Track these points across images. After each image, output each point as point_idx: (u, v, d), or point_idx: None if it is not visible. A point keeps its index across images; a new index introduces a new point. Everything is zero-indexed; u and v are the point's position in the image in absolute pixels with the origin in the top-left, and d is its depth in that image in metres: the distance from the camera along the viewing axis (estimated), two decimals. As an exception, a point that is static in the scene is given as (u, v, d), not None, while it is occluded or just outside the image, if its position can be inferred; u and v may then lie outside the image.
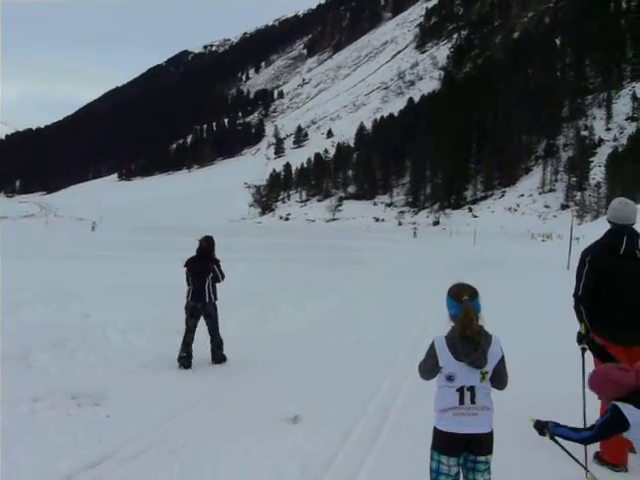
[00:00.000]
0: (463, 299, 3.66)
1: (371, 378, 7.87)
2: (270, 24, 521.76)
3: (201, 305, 8.60)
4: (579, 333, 5.14)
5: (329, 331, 11.36)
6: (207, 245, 8.84)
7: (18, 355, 8.08)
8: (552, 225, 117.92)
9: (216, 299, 8.74)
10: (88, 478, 4.72)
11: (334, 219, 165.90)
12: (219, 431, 5.77)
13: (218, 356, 8.67)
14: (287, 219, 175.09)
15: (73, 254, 28.97)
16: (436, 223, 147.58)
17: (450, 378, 3.65)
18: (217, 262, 8.83)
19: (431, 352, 3.73)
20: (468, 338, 3.61)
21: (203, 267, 8.67)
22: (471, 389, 3.63)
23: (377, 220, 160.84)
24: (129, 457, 5.10)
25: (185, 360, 8.36)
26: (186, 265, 8.82)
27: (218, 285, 8.83)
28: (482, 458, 3.68)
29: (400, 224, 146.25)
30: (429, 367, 3.78)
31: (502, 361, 3.73)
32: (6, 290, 14.40)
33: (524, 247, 51.75)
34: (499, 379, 3.76)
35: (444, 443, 3.68)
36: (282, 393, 7.11)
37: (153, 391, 7.01)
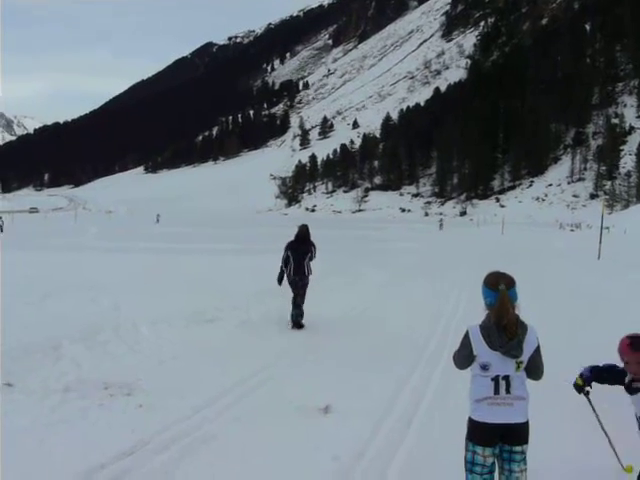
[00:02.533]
0: (499, 288, 3.59)
1: (402, 367, 7.86)
2: (295, 14, 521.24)
3: (299, 278, 10.74)
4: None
5: (358, 321, 11.33)
6: (305, 231, 10.99)
7: (48, 347, 8.12)
8: (581, 215, 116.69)
9: (311, 273, 10.91)
10: (121, 468, 4.73)
11: (360, 210, 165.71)
12: (250, 421, 5.77)
13: (299, 322, 10.60)
14: (313, 210, 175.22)
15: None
16: (463, 213, 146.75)
17: (485, 367, 3.61)
18: (313, 244, 11.00)
19: (465, 341, 3.69)
20: (504, 327, 3.55)
21: (303, 248, 10.84)
22: (506, 378, 3.58)
23: (403, 211, 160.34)
24: (161, 448, 5.11)
25: (294, 317, 10.60)
26: (288, 248, 10.87)
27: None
28: (518, 448, 3.63)
29: (426, 215, 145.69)
30: (463, 356, 3.73)
31: (538, 351, 3.66)
32: (37, 282, 14.61)
33: (553, 237, 51.24)
34: (535, 369, 3.70)
35: (479, 434, 3.63)
36: (313, 383, 7.11)
37: (184, 382, 7.02)
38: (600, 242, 26.91)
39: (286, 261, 10.85)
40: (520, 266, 20.42)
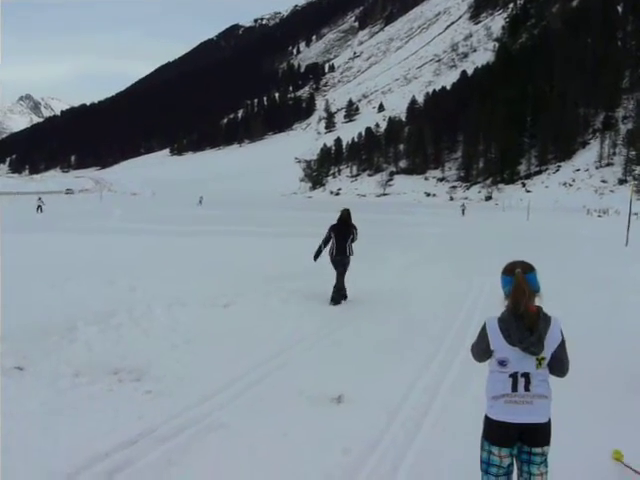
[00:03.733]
0: (516, 272, 3.36)
1: (419, 356, 7.64)
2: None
3: (341, 258, 11.49)
4: None
5: (377, 307, 11.13)
6: (347, 214, 11.73)
7: (64, 329, 8.08)
8: (609, 200, 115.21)
9: (352, 254, 11.63)
10: (125, 456, 4.61)
11: (385, 194, 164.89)
12: (260, 411, 5.61)
13: (339, 298, 11.35)
14: (338, 194, 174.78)
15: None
16: (488, 198, 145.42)
17: (502, 363, 3.36)
18: (354, 227, 11.72)
19: (482, 334, 3.46)
20: (522, 318, 3.29)
21: (345, 230, 11.58)
22: (526, 375, 3.33)
23: (428, 195, 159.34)
24: (167, 436, 4.98)
25: (334, 294, 11.32)
26: (332, 230, 11.60)
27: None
28: (538, 450, 3.38)
29: (452, 199, 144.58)
30: (481, 350, 3.52)
31: (562, 346, 3.38)
32: (60, 264, 14.63)
33: (580, 223, 50.50)
34: (559, 366, 3.43)
35: (495, 432, 3.41)
36: (327, 370, 6.93)
37: (195, 367, 6.87)
38: (628, 229, 26.38)
39: (326, 241, 11.65)
40: (545, 253, 20.10)
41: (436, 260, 19.11)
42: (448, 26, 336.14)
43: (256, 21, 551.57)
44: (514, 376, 3.34)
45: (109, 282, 12.06)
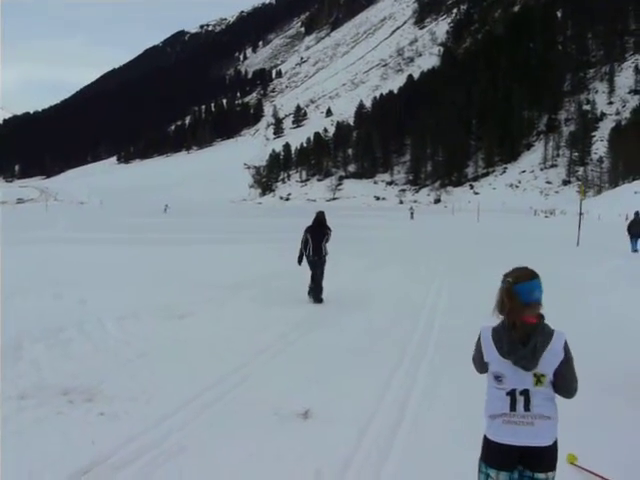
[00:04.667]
0: (506, 280, 3.11)
1: (384, 365, 7.36)
2: (267, 2, 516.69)
3: (318, 258, 12.16)
4: None
5: (336, 312, 10.86)
6: (322, 217, 12.47)
7: (8, 347, 7.55)
8: (554, 201, 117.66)
9: (327, 254, 12.32)
10: (78, 488, 4.22)
11: (335, 198, 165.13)
12: (223, 430, 5.25)
13: (318, 297, 11.99)
14: (287, 199, 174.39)
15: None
16: (437, 201, 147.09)
17: (498, 378, 3.08)
18: (329, 229, 12.48)
19: (478, 344, 3.20)
20: (514, 329, 3.03)
21: (320, 232, 12.30)
22: (525, 393, 3.02)
23: (378, 199, 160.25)
24: (124, 462, 4.58)
25: (313, 293, 12.04)
26: (307, 231, 12.30)
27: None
28: (541, 476, 3.05)
29: (401, 202, 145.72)
30: (478, 361, 3.23)
31: (566, 364, 3.04)
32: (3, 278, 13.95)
33: (529, 223, 51.32)
34: (563, 385, 3.09)
35: (493, 454, 3.09)
36: (291, 382, 6.61)
37: (152, 384, 6.46)
38: (579, 228, 26.75)
39: (305, 243, 12.28)
40: (500, 254, 20.14)
41: (392, 263, 18.95)
42: (393, 31, 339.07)
43: (202, 27, 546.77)
44: (512, 394, 3.05)
45: (57, 295, 11.50)
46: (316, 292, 12.04)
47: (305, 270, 12.22)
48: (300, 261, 12.33)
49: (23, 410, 5.60)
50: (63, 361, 7.24)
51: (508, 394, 3.05)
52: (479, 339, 3.18)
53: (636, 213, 24.38)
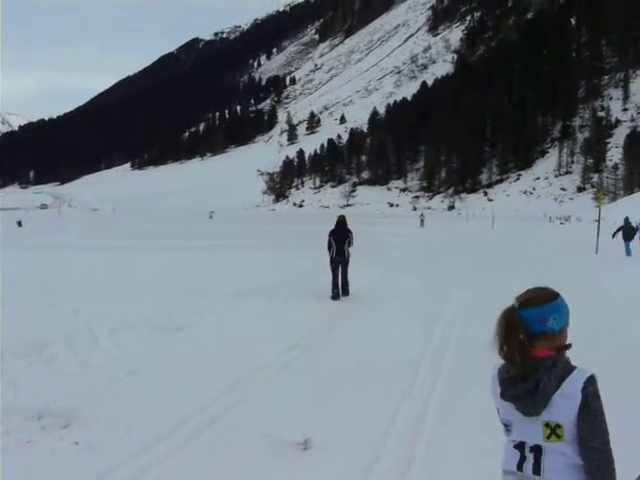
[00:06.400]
0: (512, 305, 2.30)
1: (395, 385, 6.69)
2: (281, 9, 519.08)
3: (342, 259, 13.22)
4: None
5: (342, 328, 10.22)
6: (343, 220, 13.69)
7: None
8: (569, 208, 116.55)
9: (350, 255, 13.40)
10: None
11: (348, 205, 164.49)
12: (212, 462, 4.61)
13: (346, 290, 13.23)
14: (301, 206, 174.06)
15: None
16: (451, 207, 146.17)
17: (506, 427, 2.34)
18: (350, 232, 13.54)
19: (491, 384, 2.42)
20: (513, 364, 2.23)
21: (342, 234, 13.43)
22: (536, 450, 2.22)
23: (391, 205, 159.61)
24: (92, 503, 3.98)
25: (336, 295, 12.92)
26: (331, 235, 13.46)
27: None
28: None
29: (415, 209, 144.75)
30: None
31: (586, 409, 2.13)
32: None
33: (544, 230, 50.46)
34: (585, 444, 2.15)
35: None
36: (290, 407, 5.97)
37: (136, 407, 5.82)
38: (598, 236, 26.04)
39: (330, 246, 13.33)
40: (517, 261, 19.44)
41: (406, 272, 18.32)
42: (407, 38, 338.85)
43: (216, 35, 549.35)
44: (520, 449, 2.26)
45: (50, 304, 10.94)
46: (344, 287, 13.13)
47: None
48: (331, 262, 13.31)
49: (-11, 438, 4.99)
50: (44, 380, 6.62)
51: (516, 447, 2.29)
52: (491, 379, 2.41)
53: (626, 219, 26.06)
